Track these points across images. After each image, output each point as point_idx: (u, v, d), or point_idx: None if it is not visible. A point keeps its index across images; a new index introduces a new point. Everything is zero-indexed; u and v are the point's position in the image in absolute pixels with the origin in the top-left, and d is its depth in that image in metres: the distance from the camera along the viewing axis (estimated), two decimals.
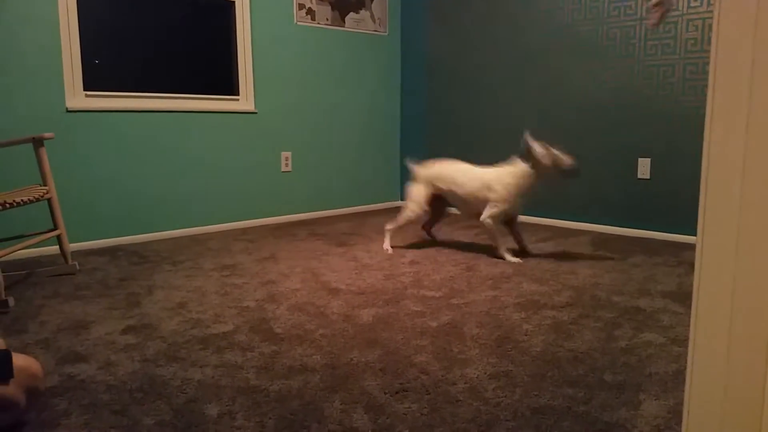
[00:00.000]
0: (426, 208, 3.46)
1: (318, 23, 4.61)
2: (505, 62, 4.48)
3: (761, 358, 0.81)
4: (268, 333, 2.14)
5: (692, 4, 3.52)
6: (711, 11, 3.45)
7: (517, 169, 3.21)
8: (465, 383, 1.72)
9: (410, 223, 3.48)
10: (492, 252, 3.38)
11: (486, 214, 3.23)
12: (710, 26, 3.45)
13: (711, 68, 0.83)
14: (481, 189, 3.26)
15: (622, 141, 3.91)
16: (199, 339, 2.09)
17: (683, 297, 2.53)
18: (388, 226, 3.54)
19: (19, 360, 1.47)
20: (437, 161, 3.51)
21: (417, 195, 3.43)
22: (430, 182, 3.44)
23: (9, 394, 1.42)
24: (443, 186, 3.40)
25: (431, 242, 3.72)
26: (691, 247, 3.50)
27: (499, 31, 4.49)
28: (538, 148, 3.13)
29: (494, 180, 3.24)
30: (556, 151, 3.15)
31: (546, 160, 3.11)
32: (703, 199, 0.85)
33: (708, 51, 3.51)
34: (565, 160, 3.14)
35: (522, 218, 4.50)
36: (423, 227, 3.82)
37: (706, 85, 3.48)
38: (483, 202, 3.27)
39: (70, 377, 1.78)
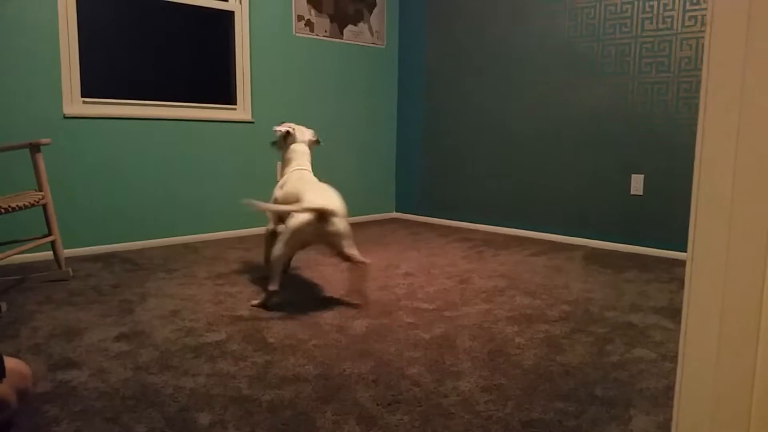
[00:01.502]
0: None
1: (316, 35, 4.64)
2: (501, 77, 4.52)
3: (749, 375, 0.83)
4: (261, 342, 2.14)
5: (686, 24, 3.57)
6: (704, 31, 3.49)
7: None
8: (457, 396, 1.72)
9: None
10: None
11: None
12: (704, 46, 3.50)
13: (702, 86, 0.85)
14: None
15: (615, 157, 3.94)
16: (191, 347, 2.09)
17: (675, 313, 2.55)
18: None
19: (8, 362, 1.49)
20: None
21: None
22: None
23: (2, 394, 1.43)
24: None
25: (425, 255, 3.73)
26: (684, 263, 3.52)
27: (496, 45, 4.53)
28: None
29: None
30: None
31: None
32: (693, 215, 0.86)
33: (701, 69, 3.55)
34: None
35: (515, 232, 4.53)
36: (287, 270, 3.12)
37: (699, 103, 3.51)
38: None
39: (61, 383, 1.78)
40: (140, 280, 3.02)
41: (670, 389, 1.78)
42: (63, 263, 3.01)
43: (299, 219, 2.45)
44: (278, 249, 2.49)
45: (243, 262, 3.45)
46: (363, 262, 2.62)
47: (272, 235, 2.80)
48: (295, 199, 2.60)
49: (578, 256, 3.73)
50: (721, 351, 0.85)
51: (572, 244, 4.13)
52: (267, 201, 2.68)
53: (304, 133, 3.02)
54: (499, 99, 4.55)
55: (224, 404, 1.66)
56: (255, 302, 2.61)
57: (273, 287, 2.51)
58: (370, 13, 4.99)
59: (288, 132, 2.99)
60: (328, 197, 2.54)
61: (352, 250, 2.57)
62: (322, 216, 2.45)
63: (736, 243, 0.82)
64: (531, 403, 1.69)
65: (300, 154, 2.95)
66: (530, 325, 2.38)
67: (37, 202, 2.81)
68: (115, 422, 1.55)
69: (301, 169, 2.89)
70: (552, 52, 4.20)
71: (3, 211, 2.51)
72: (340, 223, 2.51)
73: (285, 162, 2.98)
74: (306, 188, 2.62)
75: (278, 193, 2.83)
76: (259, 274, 3.13)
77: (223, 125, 4.18)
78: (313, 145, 3.07)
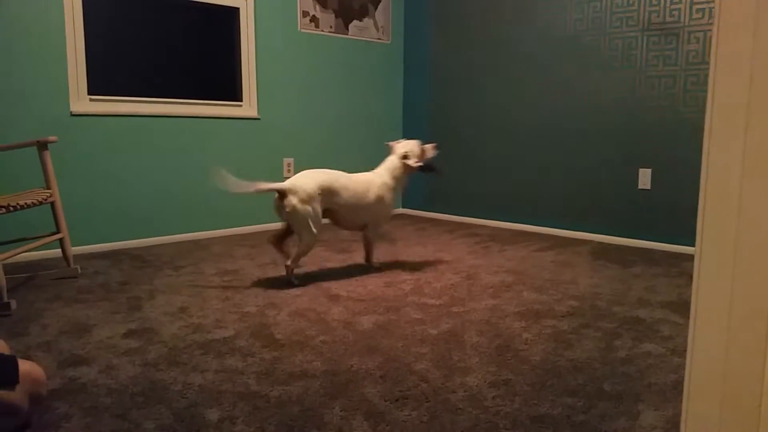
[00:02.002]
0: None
1: (322, 30, 4.63)
2: (507, 72, 4.50)
3: (758, 370, 0.82)
4: (269, 339, 2.15)
5: (694, 17, 3.54)
6: (712, 23, 3.47)
7: (392, 170, 3.16)
8: (465, 391, 1.72)
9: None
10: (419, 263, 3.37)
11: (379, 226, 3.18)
12: (711, 39, 3.47)
13: (710, 80, 0.85)
14: (376, 198, 3.05)
15: (623, 151, 3.92)
16: (200, 344, 2.10)
17: (683, 307, 2.54)
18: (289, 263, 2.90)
19: (23, 365, 1.49)
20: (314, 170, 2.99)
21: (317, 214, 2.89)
22: (322, 194, 2.89)
23: (14, 399, 1.43)
24: (338, 196, 2.95)
25: (432, 250, 3.73)
26: (692, 257, 3.50)
27: (502, 40, 4.51)
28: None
29: (384, 186, 3.10)
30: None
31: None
32: (701, 209, 0.86)
33: (709, 63, 3.53)
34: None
35: (522, 227, 4.52)
36: (276, 244, 3.04)
37: (707, 97, 3.49)
38: (372, 213, 3.07)
39: (71, 380, 1.79)
40: (148, 277, 3.04)
41: (678, 384, 1.77)
42: (71, 261, 3.03)
43: None
44: None
45: (250, 258, 3.46)
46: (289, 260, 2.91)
47: None
48: None
49: (585, 251, 3.72)
50: (730, 345, 0.85)
51: (579, 239, 4.12)
52: (271, 199, 2.73)
53: (402, 148, 3.22)
54: (506, 93, 4.53)
55: (233, 400, 1.66)
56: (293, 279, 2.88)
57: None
58: (375, 8, 4.98)
59: (389, 145, 3.30)
60: (294, 178, 2.87)
61: (300, 240, 2.86)
62: (279, 195, 2.81)
63: (745, 237, 0.82)
64: (539, 398, 1.69)
65: (385, 162, 3.20)
66: (538, 320, 2.37)
67: (45, 199, 2.82)
68: (124, 418, 1.56)
69: (372, 171, 3.16)
70: (558, 46, 4.19)
71: (12, 209, 2.53)
72: (293, 200, 2.77)
73: None
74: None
75: None
76: (265, 272, 3.14)
77: (229, 122, 4.19)
78: (402, 163, 3.16)
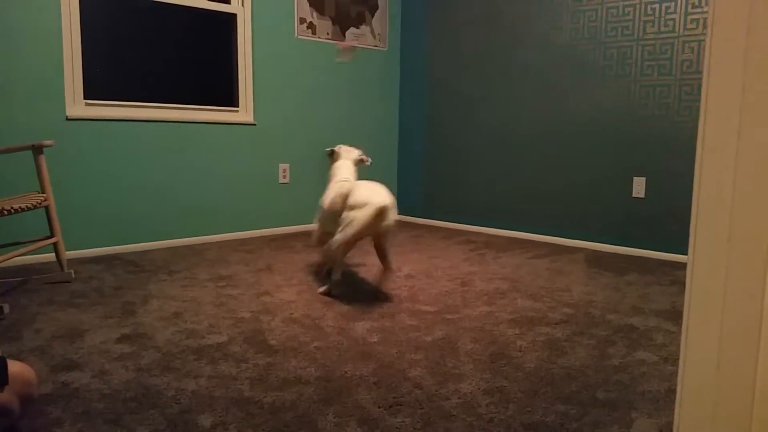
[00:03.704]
0: None
1: (318, 37, 4.65)
2: (503, 80, 4.52)
3: (750, 378, 0.83)
4: (263, 344, 2.14)
5: (688, 27, 3.57)
6: (706, 34, 3.49)
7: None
8: (458, 398, 1.72)
9: None
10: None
11: None
12: (705, 48, 3.49)
13: (703, 90, 0.85)
14: None
15: (617, 160, 3.94)
16: (193, 349, 2.09)
17: (676, 316, 2.54)
18: None
19: (13, 366, 1.47)
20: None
21: None
22: None
23: (3, 400, 1.42)
24: None
25: (427, 257, 3.73)
26: (685, 265, 3.51)
27: (498, 48, 4.53)
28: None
29: None
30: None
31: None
32: (694, 218, 0.86)
33: (702, 72, 3.54)
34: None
35: (517, 234, 4.52)
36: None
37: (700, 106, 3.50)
38: None
39: (64, 385, 1.78)
40: (142, 282, 3.03)
41: (671, 392, 1.78)
42: (65, 265, 3.02)
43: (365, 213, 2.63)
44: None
45: (245, 264, 3.45)
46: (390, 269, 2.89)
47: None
48: (346, 201, 2.80)
49: (580, 259, 3.73)
50: (722, 353, 0.85)
51: (574, 247, 4.13)
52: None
53: (350, 153, 3.30)
54: (501, 102, 4.55)
55: (226, 406, 1.66)
56: (321, 289, 2.83)
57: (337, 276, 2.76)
58: (372, 15, 5.00)
59: (333, 151, 3.32)
60: (383, 195, 2.75)
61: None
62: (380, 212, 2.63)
63: (737, 246, 0.82)
64: (532, 405, 1.69)
65: (343, 169, 3.18)
66: (532, 327, 2.38)
67: (40, 203, 2.82)
68: (116, 424, 1.55)
69: (344, 180, 3.09)
70: (554, 55, 4.21)
71: (5, 212, 2.52)
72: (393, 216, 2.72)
73: (330, 176, 3.24)
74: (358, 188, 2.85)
75: (325, 202, 3.04)
76: (260, 277, 3.14)
77: (226, 127, 4.19)
78: (359, 163, 3.30)
